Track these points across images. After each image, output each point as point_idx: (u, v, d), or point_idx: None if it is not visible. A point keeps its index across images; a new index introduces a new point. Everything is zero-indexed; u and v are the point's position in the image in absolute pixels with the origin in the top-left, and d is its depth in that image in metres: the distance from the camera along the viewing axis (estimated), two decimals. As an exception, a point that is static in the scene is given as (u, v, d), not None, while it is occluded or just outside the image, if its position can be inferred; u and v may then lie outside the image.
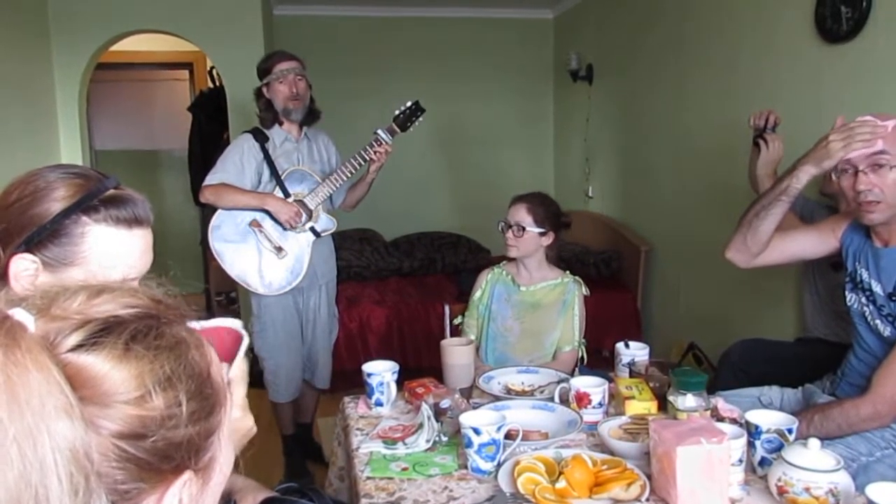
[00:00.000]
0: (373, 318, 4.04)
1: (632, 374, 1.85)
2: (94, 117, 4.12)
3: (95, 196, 0.98)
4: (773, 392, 1.97)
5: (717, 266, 3.44)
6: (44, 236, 0.96)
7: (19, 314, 0.52)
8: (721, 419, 1.49)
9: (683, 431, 1.25)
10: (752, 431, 1.36)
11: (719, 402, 1.57)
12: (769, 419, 1.38)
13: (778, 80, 2.95)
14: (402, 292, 4.40)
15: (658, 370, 1.85)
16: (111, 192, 1.00)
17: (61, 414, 0.48)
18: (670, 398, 1.49)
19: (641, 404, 1.61)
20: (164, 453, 0.54)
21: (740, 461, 1.30)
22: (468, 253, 4.96)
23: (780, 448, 1.31)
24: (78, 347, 0.52)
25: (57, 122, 3.70)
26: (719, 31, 3.39)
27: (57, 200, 0.96)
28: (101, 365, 0.52)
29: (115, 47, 4.05)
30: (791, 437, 1.35)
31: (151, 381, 0.53)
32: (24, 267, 0.95)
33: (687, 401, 1.46)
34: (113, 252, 0.99)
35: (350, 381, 3.50)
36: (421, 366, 3.53)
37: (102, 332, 0.53)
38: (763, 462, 1.36)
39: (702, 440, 1.21)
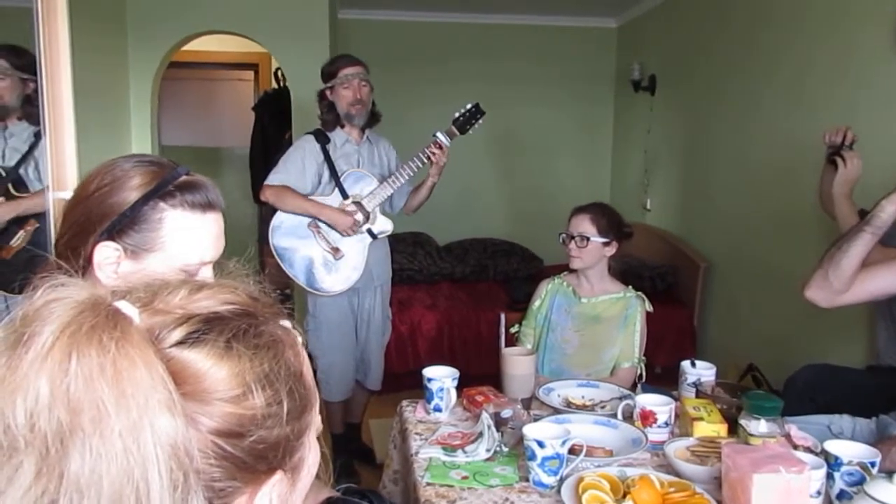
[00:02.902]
0: (423, 322, 4.05)
1: (698, 395, 1.79)
2: (162, 113, 4.23)
3: (170, 182, 1.01)
4: (843, 421, 1.88)
5: (780, 286, 3.34)
6: (124, 223, 0.98)
7: (126, 308, 0.52)
8: (794, 447, 1.43)
9: (759, 458, 1.20)
10: (832, 462, 1.30)
11: (792, 428, 1.51)
12: (850, 450, 1.32)
13: (854, 97, 2.85)
14: (453, 297, 4.39)
15: (724, 392, 1.79)
16: (184, 178, 1.02)
17: (164, 409, 0.48)
18: (742, 422, 1.44)
19: (710, 426, 1.56)
20: (259, 453, 0.54)
21: (818, 493, 1.25)
22: (521, 261, 4.92)
23: (860, 481, 1.25)
24: (181, 343, 0.52)
25: (129, 117, 3.82)
26: (791, 44, 3.29)
27: (134, 188, 0.99)
28: (203, 362, 0.52)
29: (184, 47, 4.16)
30: (874, 471, 1.29)
31: (251, 379, 0.53)
32: (107, 255, 0.98)
33: (760, 426, 1.40)
34: (189, 236, 1.01)
35: (398, 384, 3.52)
36: (469, 372, 3.50)
37: (204, 329, 0.53)
38: (842, 495, 1.30)
39: (780, 469, 1.16)
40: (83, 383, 0.46)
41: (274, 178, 2.81)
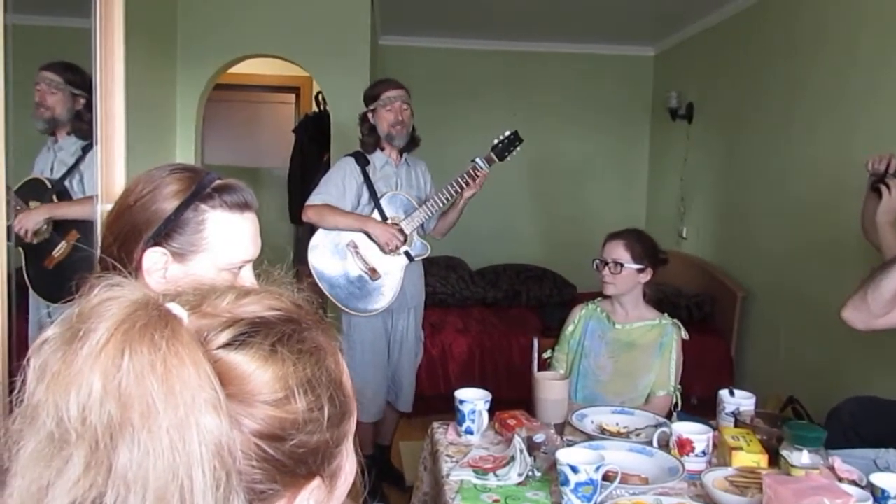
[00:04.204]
0: (455, 345, 4.04)
1: (737, 424, 1.75)
2: (206, 132, 4.34)
3: (207, 186, 1.05)
4: (890, 456, 1.82)
5: (822, 317, 3.26)
6: (169, 228, 1.02)
7: (176, 309, 0.53)
8: (839, 480, 1.38)
9: (803, 489, 1.16)
10: (878, 496, 1.26)
11: (836, 461, 1.46)
12: (897, 485, 1.27)
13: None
14: (485, 322, 4.37)
15: (764, 422, 1.74)
16: (218, 181, 1.07)
17: (210, 408, 0.49)
18: (784, 453, 1.40)
19: (750, 456, 1.52)
20: (299, 457, 0.54)
21: (864, 528, 1.20)
22: (554, 287, 4.89)
23: (908, 518, 1.20)
24: (227, 345, 0.53)
25: (175, 134, 3.93)
26: (833, 71, 3.25)
27: (173, 194, 1.03)
28: (248, 364, 0.53)
29: (230, 69, 4.28)
30: (923, 508, 1.24)
31: (293, 383, 0.54)
32: (155, 260, 1.02)
33: (803, 457, 1.37)
34: (231, 235, 1.05)
35: (429, 407, 3.50)
36: (501, 397, 3.48)
37: (250, 332, 0.54)
38: (889, 531, 1.25)
39: (825, 500, 1.12)
40: (134, 379, 0.47)
41: (315, 198, 2.85)
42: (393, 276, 2.87)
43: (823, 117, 3.32)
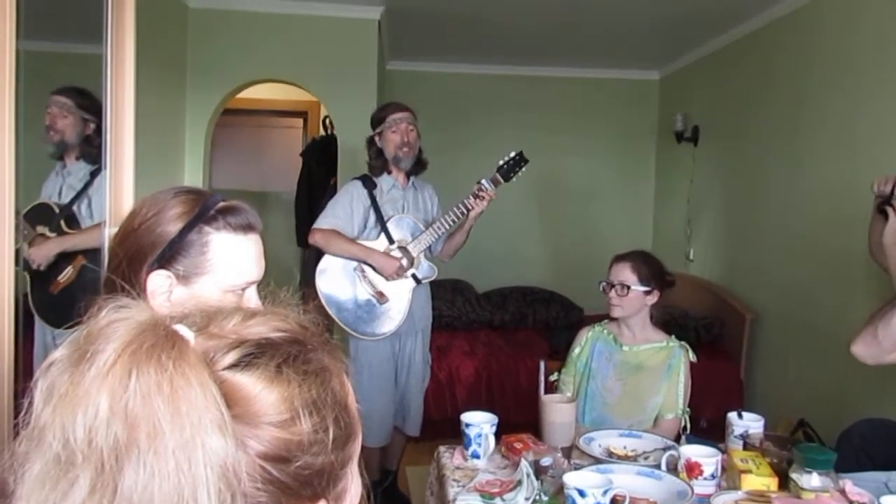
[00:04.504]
0: (462, 368, 4.02)
1: (746, 447, 1.73)
2: (214, 157, 4.38)
3: (211, 208, 1.05)
4: (902, 479, 1.79)
5: (832, 339, 3.24)
6: (174, 250, 1.02)
7: (183, 330, 0.54)
8: (850, 503, 1.36)
9: (813, 514, 1.15)
10: (890, 521, 1.24)
11: (847, 483, 1.44)
12: (909, 509, 1.25)
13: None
14: (491, 345, 4.36)
15: (773, 444, 1.73)
16: (222, 203, 1.07)
17: (216, 429, 0.48)
18: (793, 475, 1.39)
19: (759, 479, 1.51)
20: (304, 479, 0.54)
21: (876, 552, 1.18)
22: (560, 310, 4.88)
23: (922, 543, 1.18)
24: (233, 366, 0.53)
25: (184, 160, 3.97)
26: (839, 92, 3.27)
27: (178, 217, 1.03)
28: (254, 385, 0.53)
29: (238, 94, 4.33)
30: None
31: (299, 405, 0.54)
32: (160, 283, 1.02)
33: (813, 479, 1.35)
34: (234, 256, 1.05)
35: (435, 431, 3.48)
36: (508, 421, 3.45)
37: (256, 353, 0.54)
38: (902, 556, 1.23)
39: (835, 525, 1.11)
40: (141, 400, 0.47)
41: (323, 222, 2.86)
42: (401, 300, 2.87)
43: (828, 139, 3.32)
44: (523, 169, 2.91)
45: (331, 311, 2.84)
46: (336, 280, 2.86)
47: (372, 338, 2.85)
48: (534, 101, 5.39)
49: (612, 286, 2.24)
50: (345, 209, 2.87)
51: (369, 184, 2.91)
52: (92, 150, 2.20)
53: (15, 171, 1.25)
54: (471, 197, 2.83)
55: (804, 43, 3.56)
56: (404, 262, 2.85)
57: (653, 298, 2.25)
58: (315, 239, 2.86)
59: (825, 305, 3.34)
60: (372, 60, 4.13)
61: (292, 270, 5.58)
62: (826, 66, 3.38)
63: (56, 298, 2.19)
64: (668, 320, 3.87)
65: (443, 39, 4.68)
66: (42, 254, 2.16)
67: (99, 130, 2.13)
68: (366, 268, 2.85)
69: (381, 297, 2.84)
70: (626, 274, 2.24)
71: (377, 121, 2.92)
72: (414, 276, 2.88)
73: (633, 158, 5.54)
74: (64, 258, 2.21)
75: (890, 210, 2.19)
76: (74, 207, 2.25)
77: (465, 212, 2.84)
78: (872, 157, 3.00)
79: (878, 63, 3.00)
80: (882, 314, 1.72)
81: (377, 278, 2.85)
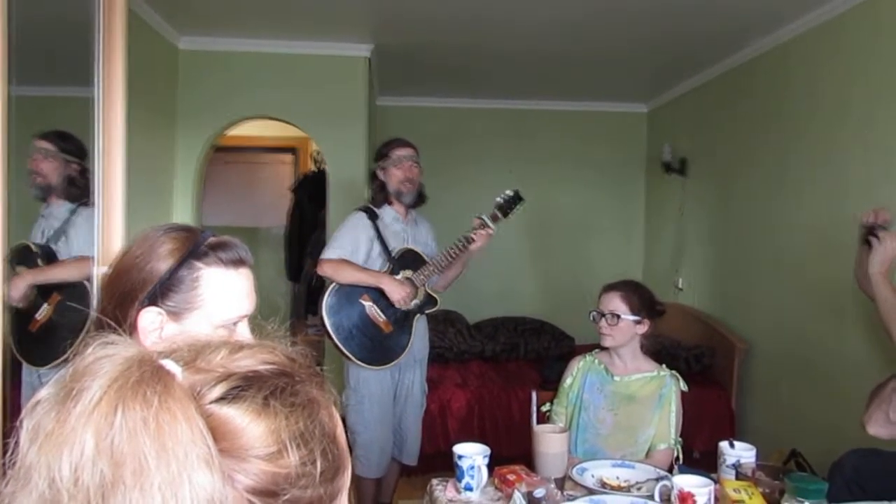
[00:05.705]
0: (454, 400, 4.00)
1: (738, 477, 1.73)
2: (205, 194, 4.39)
3: (202, 244, 1.06)
4: (895, 510, 1.79)
5: (824, 368, 3.25)
6: (165, 287, 1.03)
7: (170, 365, 0.54)
8: (843, 534, 1.36)
9: (805, 543, 1.14)
10: (882, 550, 1.23)
11: (839, 514, 1.44)
12: (901, 538, 1.25)
13: (890, 177, 2.84)
14: (483, 376, 4.34)
15: (765, 474, 1.72)
16: (213, 239, 1.08)
17: (202, 464, 0.48)
18: (785, 506, 1.38)
19: (752, 510, 1.50)
20: (292, 513, 0.54)
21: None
22: (552, 340, 4.88)
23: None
24: (220, 399, 0.53)
25: (173, 197, 3.98)
26: (825, 124, 3.33)
27: (168, 253, 1.04)
28: (241, 418, 0.53)
29: (228, 132, 4.36)
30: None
31: (286, 437, 0.54)
32: (151, 319, 1.02)
33: (805, 510, 1.34)
34: (225, 291, 1.05)
35: (428, 465, 3.44)
36: (501, 453, 3.43)
37: (243, 387, 0.54)
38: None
39: (827, 554, 1.10)
40: (127, 436, 0.47)
41: (331, 253, 2.88)
42: (405, 330, 2.89)
43: (815, 171, 3.37)
44: (520, 207, 2.97)
45: (337, 341, 2.84)
46: (341, 311, 2.87)
47: (377, 367, 2.86)
48: (523, 134, 5.47)
49: (603, 315, 2.24)
50: (350, 239, 2.89)
51: (372, 214, 2.94)
52: (74, 189, 2.22)
53: (6, 216, 1.25)
54: (473, 231, 2.87)
55: (790, 77, 3.64)
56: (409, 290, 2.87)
57: (643, 328, 2.26)
58: (324, 269, 2.87)
59: (816, 335, 3.36)
60: (361, 97, 4.18)
61: (279, 304, 5.57)
62: (812, 97, 3.44)
63: (34, 336, 2.16)
64: (658, 350, 3.87)
65: (432, 75, 4.75)
66: (16, 289, 2.14)
67: (83, 171, 2.13)
68: (371, 299, 2.86)
69: (386, 326, 2.86)
70: (616, 303, 2.25)
71: (381, 155, 2.98)
72: (418, 306, 2.91)
73: (623, 189, 5.60)
74: (41, 295, 2.19)
75: (874, 240, 2.23)
76: (52, 245, 2.24)
77: (466, 245, 2.88)
78: (858, 190, 3.04)
79: (864, 98, 3.06)
80: (887, 397, 1.79)
81: (381, 310, 2.86)
